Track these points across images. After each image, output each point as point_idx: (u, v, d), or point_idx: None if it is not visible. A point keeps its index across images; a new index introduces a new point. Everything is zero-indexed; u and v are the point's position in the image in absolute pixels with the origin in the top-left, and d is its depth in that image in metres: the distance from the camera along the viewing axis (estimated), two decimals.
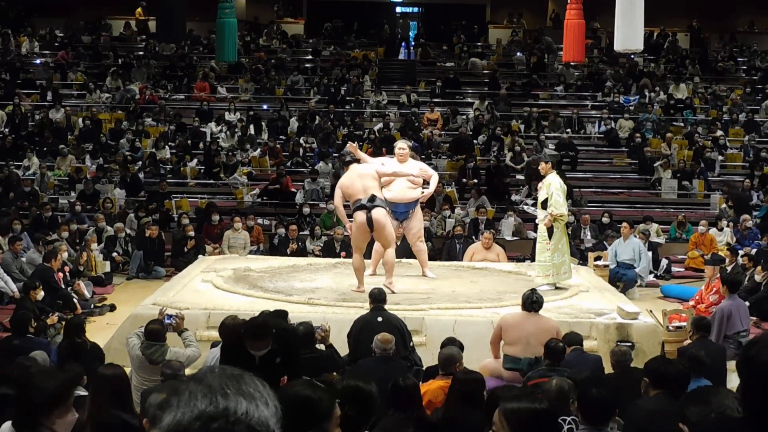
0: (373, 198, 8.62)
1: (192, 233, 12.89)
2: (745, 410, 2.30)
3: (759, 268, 10.61)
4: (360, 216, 8.61)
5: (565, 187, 9.45)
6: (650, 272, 12.43)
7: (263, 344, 4.88)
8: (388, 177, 9.22)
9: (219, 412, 1.43)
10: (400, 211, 9.43)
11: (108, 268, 12.20)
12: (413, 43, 24.15)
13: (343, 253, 12.41)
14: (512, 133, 17.36)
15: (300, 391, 2.68)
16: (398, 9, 26.73)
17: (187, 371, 5.63)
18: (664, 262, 12.84)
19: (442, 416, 4.56)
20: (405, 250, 10.36)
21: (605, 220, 13.69)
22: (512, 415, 2.73)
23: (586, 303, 8.71)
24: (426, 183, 9.70)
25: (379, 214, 8.58)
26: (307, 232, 13.57)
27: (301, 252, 12.76)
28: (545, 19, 24.73)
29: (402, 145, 9.74)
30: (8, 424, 3.29)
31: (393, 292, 8.41)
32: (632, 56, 20.32)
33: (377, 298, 6.94)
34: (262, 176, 16.05)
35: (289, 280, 9.76)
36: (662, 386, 4.69)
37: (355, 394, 3.39)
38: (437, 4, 25.40)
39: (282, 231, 13.18)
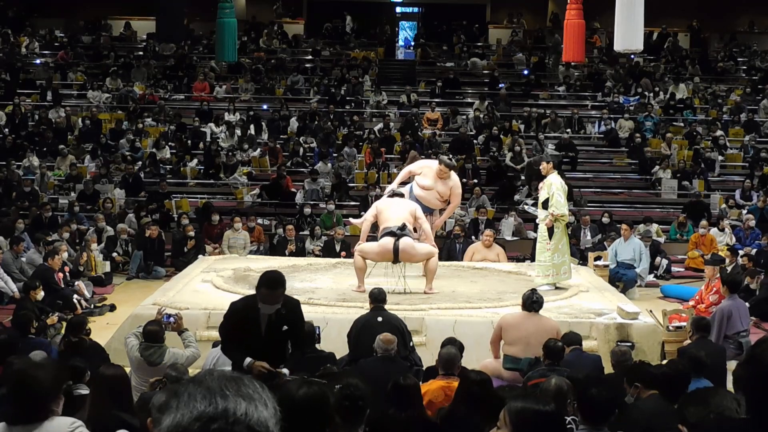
0: (403, 227, 8.73)
1: (192, 233, 12.89)
2: (748, 411, 2.30)
3: (749, 277, 10.53)
4: (387, 243, 8.70)
5: (566, 187, 9.45)
6: (652, 272, 12.44)
7: (276, 298, 4.88)
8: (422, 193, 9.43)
9: (218, 413, 1.44)
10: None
11: (108, 268, 12.20)
12: (412, 42, 24.12)
13: (343, 253, 12.42)
14: (512, 133, 17.37)
15: (305, 390, 2.68)
16: (398, 9, 26.72)
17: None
18: (663, 262, 12.80)
19: (444, 416, 4.56)
20: None
21: (605, 220, 13.69)
22: (516, 415, 2.73)
23: (586, 303, 8.72)
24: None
25: (406, 243, 8.68)
26: (307, 232, 13.57)
27: (300, 252, 12.74)
28: (545, 19, 24.72)
29: (447, 165, 9.73)
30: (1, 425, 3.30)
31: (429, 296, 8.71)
32: (632, 56, 20.32)
33: (377, 298, 6.94)
34: (262, 176, 16.05)
35: (289, 280, 9.69)
36: (653, 387, 4.70)
37: (348, 392, 3.41)
38: (437, 4, 25.39)
39: (282, 231, 13.17)
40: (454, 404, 4.72)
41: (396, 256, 8.73)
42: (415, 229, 9.12)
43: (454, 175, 9.81)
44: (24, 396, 3.23)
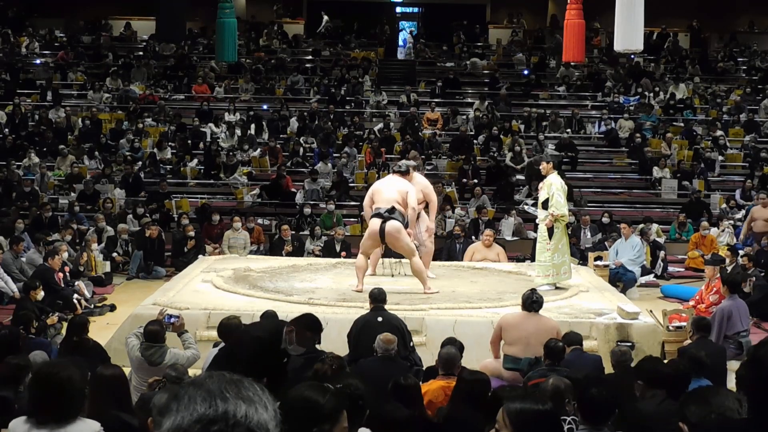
0: (392, 210, 8.67)
1: (192, 233, 12.88)
2: (750, 411, 2.30)
3: (743, 282, 10.46)
4: (374, 224, 8.69)
5: (566, 187, 9.45)
6: (651, 272, 12.43)
7: (314, 340, 4.90)
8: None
9: (219, 416, 1.44)
10: None
11: (108, 268, 12.19)
12: (407, 43, 24.13)
13: (343, 253, 12.42)
14: (512, 133, 17.37)
15: (303, 392, 2.68)
16: (398, 9, 26.72)
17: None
18: (661, 254, 12.72)
19: (444, 416, 4.56)
20: None
21: (605, 220, 13.68)
22: (516, 416, 2.73)
23: (586, 303, 8.71)
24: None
25: (393, 226, 8.61)
26: (307, 232, 13.56)
27: (298, 252, 12.70)
28: (545, 19, 24.73)
29: (397, 171, 9.47)
30: (20, 419, 3.32)
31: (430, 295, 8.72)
32: (632, 56, 20.31)
33: (377, 298, 6.93)
34: (262, 176, 16.04)
35: (289, 280, 9.76)
36: (659, 386, 4.69)
37: (348, 392, 3.42)
38: (437, 4, 25.39)
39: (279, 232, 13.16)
40: (451, 404, 4.72)
41: (382, 238, 8.68)
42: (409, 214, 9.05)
43: (417, 175, 9.67)
44: (58, 397, 3.25)
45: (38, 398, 3.31)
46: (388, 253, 10.54)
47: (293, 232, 13.17)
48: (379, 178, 15.38)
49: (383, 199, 8.77)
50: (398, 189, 8.87)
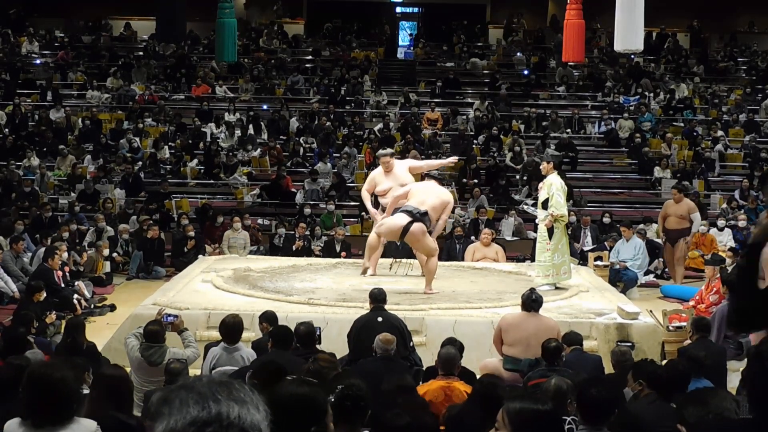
0: (425, 214, 8.57)
1: (192, 233, 12.87)
2: (751, 410, 2.30)
3: None
4: (401, 219, 8.53)
5: (566, 187, 9.45)
6: (650, 272, 12.43)
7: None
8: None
9: (212, 417, 1.45)
10: None
11: (108, 268, 12.18)
12: (411, 44, 24.14)
13: (343, 253, 12.43)
14: (512, 133, 17.37)
15: (296, 389, 2.67)
16: (398, 9, 26.73)
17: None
18: (657, 264, 12.71)
19: (446, 416, 4.57)
20: (406, 251, 10.37)
21: (606, 220, 13.68)
22: (516, 415, 2.74)
23: (586, 303, 8.71)
24: None
25: (419, 228, 8.49)
26: (307, 232, 13.56)
27: (307, 251, 12.71)
28: (545, 19, 24.72)
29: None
30: (15, 421, 3.31)
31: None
32: (632, 56, 20.31)
33: (377, 298, 6.93)
34: (262, 176, 16.04)
35: (289, 280, 9.75)
36: (655, 387, 4.70)
37: (350, 392, 3.42)
38: (437, 4, 25.39)
39: (282, 231, 13.17)
40: (464, 406, 4.72)
41: (402, 235, 8.60)
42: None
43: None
44: (52, 398, 3.24)
45: (32, 400, 3.29)
46: (387, 253, 10.56)
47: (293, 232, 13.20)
48: None
49: (420, 201, 8.67)
50: (442, 199, 8.82)
